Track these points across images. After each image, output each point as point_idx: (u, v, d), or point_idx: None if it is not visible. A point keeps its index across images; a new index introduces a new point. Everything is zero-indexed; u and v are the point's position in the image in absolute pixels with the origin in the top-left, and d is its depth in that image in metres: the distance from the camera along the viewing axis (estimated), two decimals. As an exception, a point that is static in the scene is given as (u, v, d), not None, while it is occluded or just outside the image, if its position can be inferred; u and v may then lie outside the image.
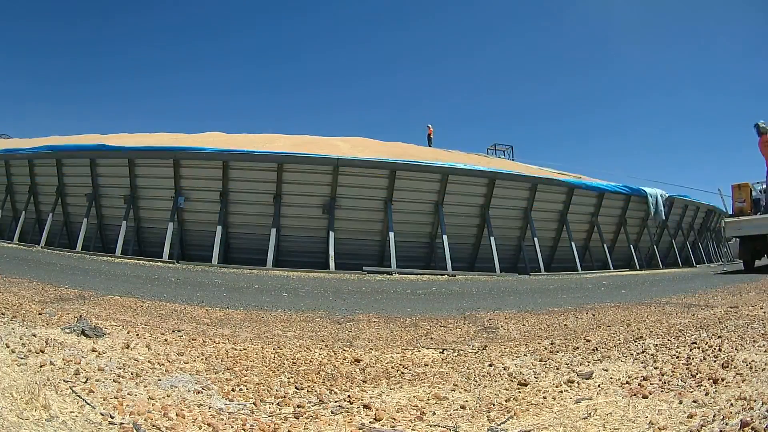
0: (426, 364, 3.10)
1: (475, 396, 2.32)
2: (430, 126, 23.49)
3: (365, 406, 2.16)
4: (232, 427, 1.85)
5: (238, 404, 2.14)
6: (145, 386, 2.21)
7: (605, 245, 13.86)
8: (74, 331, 3.01)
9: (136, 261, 10.70)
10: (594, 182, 14.83)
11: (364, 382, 2.69)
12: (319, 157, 11.71)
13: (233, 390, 2.36)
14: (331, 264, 10.74)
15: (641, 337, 3.40)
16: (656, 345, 3.00)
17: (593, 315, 5.32)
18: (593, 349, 3.15)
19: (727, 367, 2.21)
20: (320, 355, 3.31)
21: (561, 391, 2.28)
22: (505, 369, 2.83)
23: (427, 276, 10.47)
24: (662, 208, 15.04)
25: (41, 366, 2.23)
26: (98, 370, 2.32)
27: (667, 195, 15.56)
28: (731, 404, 1.72)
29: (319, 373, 2.83)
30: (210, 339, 3.61)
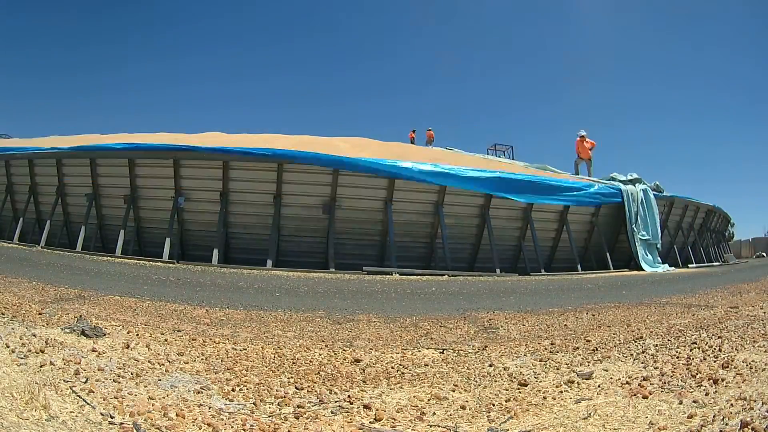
0: (426, 365, 3.10)
1: (475, 396, 2.32)
2: (430, 129, 23.33)
3: (365, 407, 2.16)
4: (232, 427, 1.85)
5: (238, 404, 2.14)
6: (145, 386, 2.21)
7: (605, 245, 13.85)
8: (74, 331, 3.01)
9: (136, 261, 10.69)
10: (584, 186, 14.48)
11: (364, 382, 2.69)
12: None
13: (233, 390, 2.36)
14: (331, 264, 10.73)
15: (641, 337, 3.40)
16: (656, 345, 3.00)
17: (593, 315, 5.32)
18: (593, 350, 3.15)
19: (727, 367, 2.21)
20: (320, 355, 3.31)
21: (561, 392, 2.28)
22: (505, 369, 2.83)
23: (427, 276, 10.46)
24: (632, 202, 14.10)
25: (41, 366, 2.23)
26: (98, 370, 2.32)
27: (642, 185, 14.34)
28: (731, 404, 1.72)
29: (319, 373, 2.83)
30: (210, 339, 3.61)
